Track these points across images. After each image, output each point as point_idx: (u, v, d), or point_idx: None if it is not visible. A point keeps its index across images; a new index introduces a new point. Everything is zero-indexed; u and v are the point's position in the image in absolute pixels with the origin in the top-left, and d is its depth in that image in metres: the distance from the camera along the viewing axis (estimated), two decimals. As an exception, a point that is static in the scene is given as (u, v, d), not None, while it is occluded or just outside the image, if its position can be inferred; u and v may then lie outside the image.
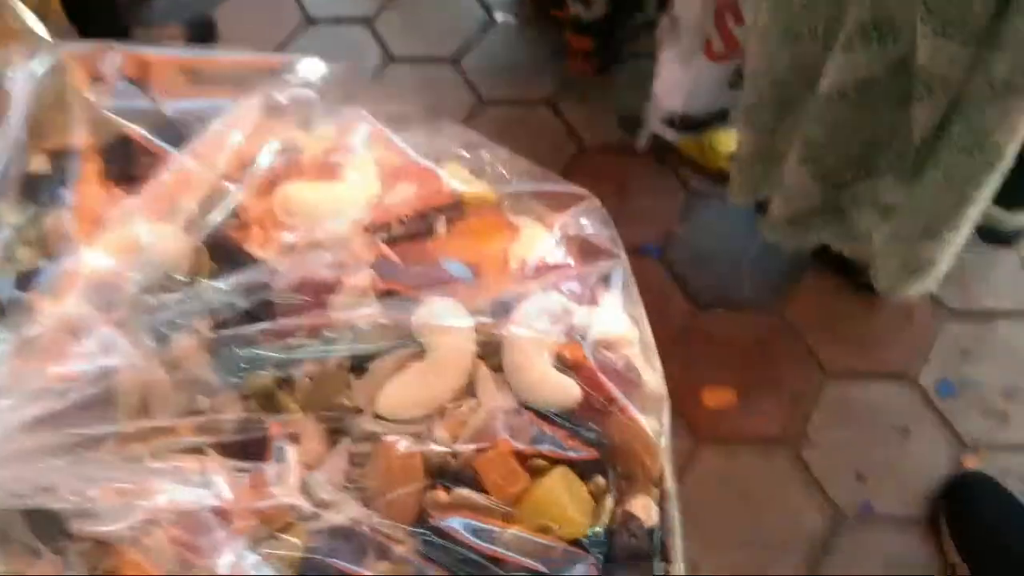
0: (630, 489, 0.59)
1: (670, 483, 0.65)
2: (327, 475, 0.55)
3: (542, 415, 0.57)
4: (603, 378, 0.59)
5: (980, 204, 1.14)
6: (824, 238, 1.36)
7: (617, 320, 0.65)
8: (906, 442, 1.40)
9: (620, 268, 0.66)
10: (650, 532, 0.59)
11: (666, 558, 0.60)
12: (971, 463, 1.37)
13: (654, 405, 0.62)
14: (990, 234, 1.55)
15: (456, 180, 0.68)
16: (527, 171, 0.72)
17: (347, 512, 0.53)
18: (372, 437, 0.56)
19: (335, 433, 0.57)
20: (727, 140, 1.64)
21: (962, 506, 1.31)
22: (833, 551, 1.32)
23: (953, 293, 1.53)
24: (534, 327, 0.59)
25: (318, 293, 0.59)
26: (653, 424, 0.61)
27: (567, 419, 0.58)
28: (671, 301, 1.54)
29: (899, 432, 1.41)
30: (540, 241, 0.66)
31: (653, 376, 0.65)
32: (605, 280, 0.66)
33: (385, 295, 0.60)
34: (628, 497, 0.58)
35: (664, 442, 0.62)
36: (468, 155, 0.71)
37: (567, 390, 0.58)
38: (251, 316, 0.57)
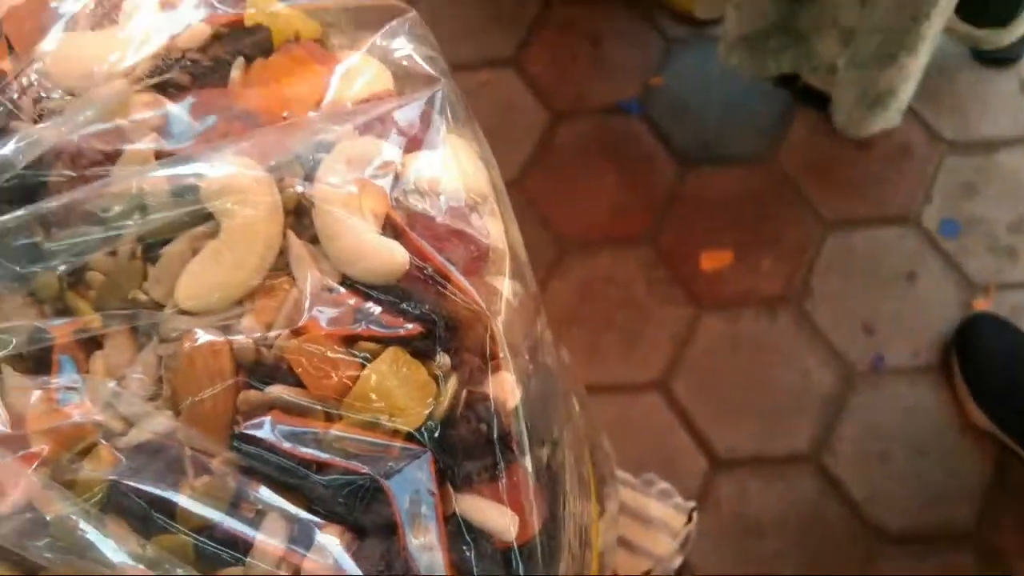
0: (485, 365, 0.49)
1: (541, 353, 0.55)
2: (135, 384, 0.46)
3: (366, 289, 0.47)
4: (425, 241, 0.48)
5: (936, 23, 1.08)
6: (784, 65, 1.27)
7: (448, 163, 0.52)
8: (913, 288, 1.34)
9: (443, 94, 0.53)
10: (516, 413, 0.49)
11: (509, 445, 0.49)
12: (981, 304, 1.32)
13: (498, 262, 0.52)
14: (986, 56, 1.46)
15: (260, 7, 0.54)
16: None
17: (155, 426, 0.45)
18: (179, 334, 0.47)
19: (142, 334, 0.47)
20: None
21: (972, 349, 1.27)
22: (847, 408, 1.28)
23: (951, 123, 1.44)
24: (345, 182, 0.48)
25: (92, 164, 0.48)
26: (512, 285, 0.52)
27: (395, 291, 0.47)
28: (656, 162, 1.44)
29: (905, 278, 1.35)
30: (355, 73, 0.53)
31: (496, 227, 0.53)
32: (437, 112, 0.53)
33: (172, 160, 0.49)
34: (484, 376, 0.49)
35: (506, 305, 0.51)
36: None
37: (390, 257, 0.47)
38: (17, 199, 0.47)
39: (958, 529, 1.22)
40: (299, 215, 0.48)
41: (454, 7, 1.57)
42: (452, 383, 0.47)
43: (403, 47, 0.54)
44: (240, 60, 0.53)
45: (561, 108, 1.49)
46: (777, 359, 1.31)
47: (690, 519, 1.10)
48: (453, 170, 0.52)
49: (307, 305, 0.46)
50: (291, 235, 0.48)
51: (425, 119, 0.52)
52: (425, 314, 0.47)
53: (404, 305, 0.47)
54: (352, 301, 0.46)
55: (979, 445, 1.25)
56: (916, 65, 1.17)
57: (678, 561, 1.02)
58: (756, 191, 1.41)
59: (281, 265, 0.48)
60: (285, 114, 0.50)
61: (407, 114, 0.51)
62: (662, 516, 1.08)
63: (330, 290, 0.47)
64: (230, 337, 0.46)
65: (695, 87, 1.50)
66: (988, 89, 1.47)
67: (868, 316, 1.33)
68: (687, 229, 1.39)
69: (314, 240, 0.48)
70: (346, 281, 0.47)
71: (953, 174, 1.41)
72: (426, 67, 0.53)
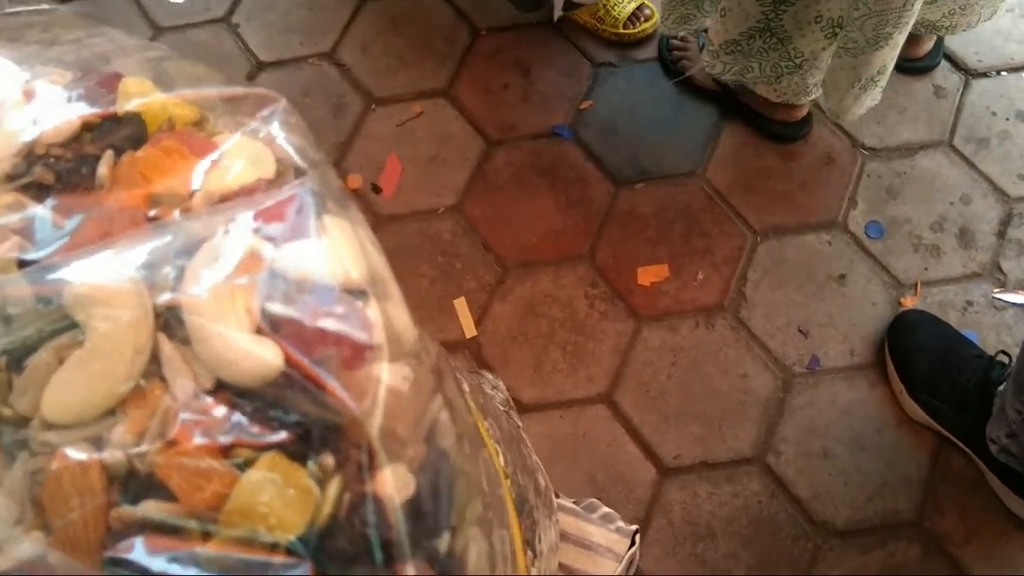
0: (374, 461, 0.46)
1: (441, 441, 0.52)
2: (2, 503, 0.44)
3: (239, 395, 0.44)
4: (294, 345, 0.45)
5: None
6: (766, 67, 1.31)
7: (321, 255, 0.49)
8: (844, 290, 1.39)
9: (312, 185, 0.50)
10: (407, 508, 0.47)
11: (392, 550, 0.46)
12: (909, 302, 1.37)
13: (397, 349, 0.49)
14: (903, 65, 1.52)
15: (134, 95, 0.51)
16: (205, 78, 0.55)
17: (21, 551, 0.42)
18: (49, 449, 0.44)
19: (6, 452, 0.45)
20: (622, 1, 1.57)
21: (904, 345, 1.31)
22: (787, 410, 1.31)
23: (871, 131, 1.50)
24: (214, 282, 0.45)
25: None
26: (400, 371, 0.48)
27: (267, 397, 0.44)
28: (590, 182, 1.48)
29: (836, 281, 1.39)
30: (231, 160, 0.50)
31: (376, 313, 0.49)
32: (308, 203, 0.50)
33: (36, 268, 0.47)
34: (370, 473, 0.46)
35: (390, 395, 0.47)
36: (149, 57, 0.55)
37: (261, 360, 0.44)
38: None
39: (902, 519, 1.25)
40: (169, 318, 0.46)
41: (385, 40, 1.61)
42: (334, 487, 0.44)
43: (276, 135, 0.52)
44: (109, 154, 0.50)
45: (496, 136, 1.53)
46: (717, 366, 1.35)
47: (633, 542, 1.10)
48: (326, 262, 0.48)
49: (179, 413, 0.43)
50: (162, 339, 0.45)
51: (296, 211, 0.49)
52: (299, 420, 0.44)
53: (276, 412, 0.44)
54: (223, 410, 0.44)
55: (916, 437, 1.29)
56: (904, 37, 1.19)
57: (623, 585, 1.02)
58: (688, 206, 1.46)
59: (154, 369, 0.45)
60: (152, 212, 0.48)
61: (276, 207, 0.48)
62: (605, 542, 1.07)
63: (204, 395, 0.44)
64: (99, 452, 0.43)
65: (624, 109, 1.54)
66: (905, 96, 1.53)
67: (802, 319, 1.37)
68: (623, 246, 1.43)
69: (188, 340, 0.45)
70: (221, 384, 0.44)
71: (875, 179, 1.46)
72: (296, 158, 0.51)
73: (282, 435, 0.43)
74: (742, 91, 1.48)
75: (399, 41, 1.61)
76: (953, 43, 1.54)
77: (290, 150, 0.51)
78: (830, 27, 1.20)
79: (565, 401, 1.34)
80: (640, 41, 1.59)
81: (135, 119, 0.50)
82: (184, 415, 0.43)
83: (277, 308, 0.45)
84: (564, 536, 1.01)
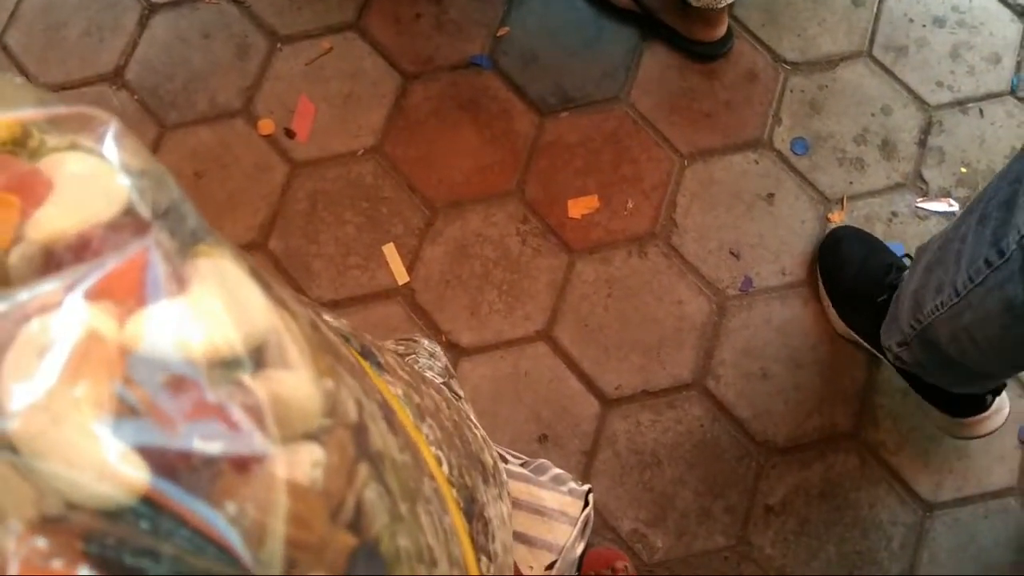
0: (302, 562, 0.36)
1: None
2: None
3: (91, 533, 0.33)
4: (157, 471, 0.33)
5: None
6: None
7: (187, 320, 0.36)
8: (772, 209, 1.39)
9: (164, 235, 0.36)
10: None
11: None
12: (836, 217, 1.38)
13: (300, 423, 0.38)
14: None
15: None
16: (22, 93, 0.41)
17: None
18: None
19: None
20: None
21: (832, 263, 1.32)
22: (723, 333, 1.32)
23: (791, 45, 1.48)
24: (46, 386, 0.32)
25: None
26: (307, 455, 0.37)
27: (128, 536, 0.33)
28: (514, 114, 1.44)
29: (764, 200, 1.39)
30: (57, 201, 0.37)
31: (265, 387, 0.37)
32: (158, 260, 0.36)
33: None
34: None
35: (292, 494, 0.36)
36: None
37: (115, 478, 0.32)
38: None
39: (839, 431, 1.28)
40: None
41: (286, -22, 1.52)
42: None
43: (111, 163, 0.37)
44: None
45: (411, 69, 1.47)
46: (652, 295, 1.34)
47: (587, 503, 1.10)
48: (193, 331, 0.35)
49: (7, 562, 0.32)
50: None
51: (145, 271, 0.35)
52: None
53: (139, 561, 0.33)
54: (60, 563, 0.32)
55: (850, 351, 1.31)
56: None
57: (580, 547, 1.01)
58: (614, 132, 1.43)
59: None
60: None
61: (120, 274, 0.35)
62: (558, 506, 1.05)
63: (40, 537, 0.33)
64: None
65: (543, 35, 1.49)
66: (824, 7, 1.51)
67: (733, 241, 1.37)
68: (552, 178, 1.40)
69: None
70: (70, 509, 0.33)
71: (798, 94, 1.46)
72: (137, 199, 0.36)
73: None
74: (661, 9, 1.44)
75: (301, -26, 1.52)
76: (868, -51, 1.53)
77: (130, 189, 0.37)
78: None
79: (504, 341, 1.32)
80: (554, -39, 1.53)
81: None
82: (22, 553, 0.32)
83: (130, 414, 0.33)
84: (516, 504, 1.00)
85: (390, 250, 1.36)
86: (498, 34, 1.49)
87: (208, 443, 0.33)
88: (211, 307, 0.36)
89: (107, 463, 0.32)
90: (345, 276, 1.36)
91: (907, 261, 1.26)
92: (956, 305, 0.97)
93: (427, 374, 0.90)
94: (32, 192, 0.37)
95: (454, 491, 0.62)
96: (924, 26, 1.48)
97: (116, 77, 1.48)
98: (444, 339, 1.32)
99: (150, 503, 0.33)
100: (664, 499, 1.26)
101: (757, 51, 1.48)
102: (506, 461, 1.08)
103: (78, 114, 0.38)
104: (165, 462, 0.33)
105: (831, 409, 1.29)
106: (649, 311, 1.34)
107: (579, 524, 0.99)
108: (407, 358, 0.95)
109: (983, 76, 1.45)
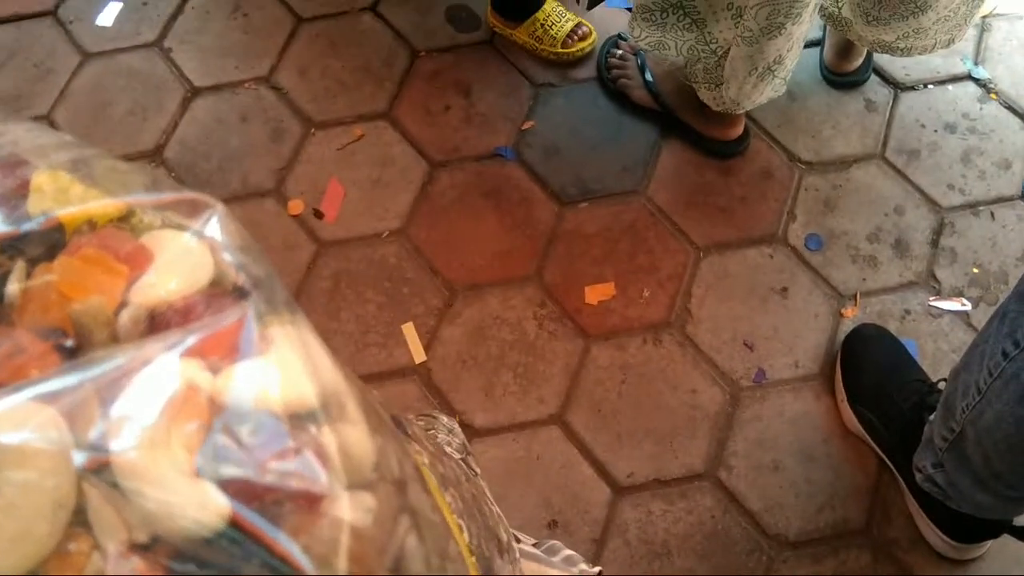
0: None
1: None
2: None
3: (179, 555, 0.38)
4: (241, 503, 0.38)
5: None
6: (682, 48, 1.32)
7: (271, 377, 0.42)
8: (786, 302, 1.41)
9: (259, 306, 0.43)
10: None
11: None
12: (850, 312, 1.40)
13: (357, 475, 0.42)
14: (835, 80, 1.56)
15: (49, 194, 0.43)
16: (134, 176, 0.47)
17: None
18: None
19: None
20: (560, 21, 1.58)
21: (854, 358, 1.32)
22: (736, 424, 1.33)
23: (806, 145, 1.53)
24: (147, 424, 0.38)
25: None
26: (362, 502, 0.41)
27: (210, 559, 0.37)
28: (535, 203, 1.48)
29: (778, 294, 1.42)
30: (162, 271, 0.43)
31: (331, 439, 0.42)
32: (252, 326, 0.43)
33: None
34: None
35: (351, 535, 0.41)
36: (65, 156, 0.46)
37: (202, 512, 0.37)
38: None
39: (851, 527, 1.27)
40: (96, 464, 0.38)
41: (323, 63, 1.59)
42: None
43: (216, 244, 0.45)
44: (20, 266, 0.41)
45: (438, 158, 1.53)
46: (666, 383, 1.36)
47: None
48: (275, 386, 0.41)
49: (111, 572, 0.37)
50: (88, 489, 0.38)
51: (239, 335, 0.41)
52: (279, 557, 0.38)
53: (238, 550, 0.38)
54: (164, 563, 0.37)
55: (862, 446, 1.31)
56: (800, 31, 1.23)
57: (588, 627, 1.01)
58: (631, 223, 1.47)
59: (82, 519, 0.38)
60: (69, 343, 0.40)
61: (217, 337, 0.41)
62: None
63: (136, 556, 0.37)
64: None
65: (566, 129, 1.55)
66: (838, 111, 1.56)
67: (747, 333, 1.39)
68: (570, 265, 1.43)
69: (117, 484, 0.39)
70: (156, 539, 0.38)
71: (813, 192, 1.50)
72: (239, 274, 0.44)
73: None
74: (680, 108, 1.50)
75: (337, 64, 1.60)
76: (882, 58, 1.59)
77: (231, 264, 0.43)
78: (736, 15, 1.22)
79: (517, 424, 1.34)
80: (579, 60, 1.60)
81: (49, 220, 0.42)
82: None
83: (220, 452, 0.39)
84: (527, 583, 1.00)
85: (409, 329, 1.39)
86: (523, 127, 1.55)
87: (287, 481, 0.39)
88: (292, 365, 0.42)
89: (199, 491, 0.38)
90: (363, 353, 1.38)
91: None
92: (979, 404, 0.96)
93: (446, 449, 0.91)
94: (136, 263, 0.43)
95: (473, 559, 0.63)
96: (936, 131, 1.53)
97: (156, 154, 1.55)
98: (458, 419, 1.33)
99: (236, 527, 0.37)
100: (673, 590, 1.24)
101: (773, 150, 1.53)
102: (519, 541, 1.08)
103: (190, 200, 0.45)
104: (249, 494, 0.38)
105: (843, 504, 1.28)
106: (663, 399, 1.35)
107: (590, 604, 0.98)
108: (428, 432, 0.97)
109: (994, 180, 1.49)
